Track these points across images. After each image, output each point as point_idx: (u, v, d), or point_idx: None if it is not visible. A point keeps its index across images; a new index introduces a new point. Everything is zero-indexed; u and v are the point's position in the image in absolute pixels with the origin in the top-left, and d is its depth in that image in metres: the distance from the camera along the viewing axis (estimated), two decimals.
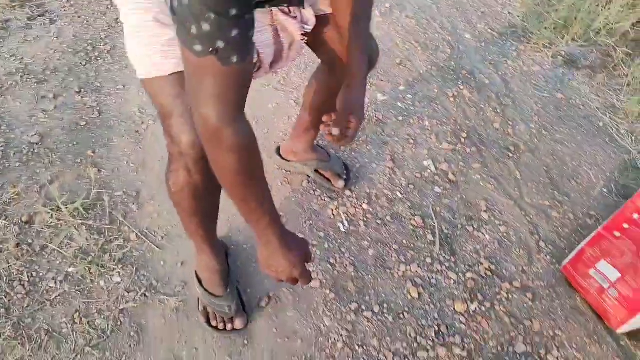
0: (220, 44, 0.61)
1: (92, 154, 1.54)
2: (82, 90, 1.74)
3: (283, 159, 1.55)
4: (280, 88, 1.86)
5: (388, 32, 2.18)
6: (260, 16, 0.94)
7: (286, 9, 0.97)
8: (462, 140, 1.75)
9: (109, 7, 2.14)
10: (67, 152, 1.54)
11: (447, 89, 1.94)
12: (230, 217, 1.40)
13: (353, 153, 1.65)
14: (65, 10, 2.08)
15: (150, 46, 0.85)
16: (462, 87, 1.96)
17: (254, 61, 0.98)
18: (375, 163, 1.63)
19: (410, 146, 1.70)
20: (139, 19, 0.85)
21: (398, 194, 1.56)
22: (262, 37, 0.97)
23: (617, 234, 1.28)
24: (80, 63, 1.85)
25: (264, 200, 0.79)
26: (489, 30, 2.30)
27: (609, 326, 1.33)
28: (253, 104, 1.63)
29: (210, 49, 0.61)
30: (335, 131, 1.01)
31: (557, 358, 1.26)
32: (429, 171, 1.64)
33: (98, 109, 1.69)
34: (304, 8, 0.99)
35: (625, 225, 1.27)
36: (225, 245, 1.33)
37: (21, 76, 1.76)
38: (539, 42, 2.25)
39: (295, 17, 1.00)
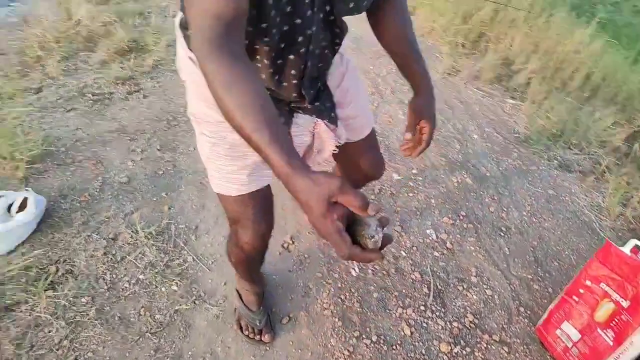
0: None
1: (165, 195, 1.98)
2: (162, 148, 2.24)
3: None
4: None
5: None
6: (305, 122, 1.11)
7: (329, 124, 1.13)
8: (461, 217, 2.10)
9: None
10: (147, 192, 1.98)
11: (452, 176, 2.33)
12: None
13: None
14: (155, 89, 2.66)
15: (219, 172, 1.09)
16: (465, 176, 2.35)
17: None
18: (386, 227, 1.99)
19: (417, 217, 2.07)
20: (210, 149, 1.07)
21: (402, 252, 1.90)
22: (299, 140, 1.12)
23: (576, 298, 1.57)
24: (163, 128, 2.37)
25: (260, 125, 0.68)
26: (495, 134, 2.74)
27: None
28: None
29: None
30: (408, 135, 1.15)
31: None
32: (430, 238, 1.98)
33: (173, 163, 2.16)
34: (336, 126, 1.16)
35: (581, 291, 1.56)
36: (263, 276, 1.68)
37: (118, 134, 2.28)
38: (538, 146, 2.65)
39: (333, 131, 1.15)
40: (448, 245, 1.97)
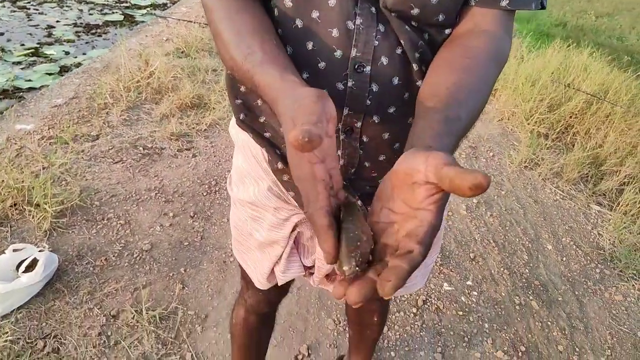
0: None
1: (183, 272, 1.81)
2: (196, 215, 2.11)
3: None
4: None
5: (468, 227, 2.33)
6: None
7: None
8: (520, 354, 1.72)
9: None
10: (165, 264, 1.83)
11: (515, 295, 1.96)
12: None
13: (405, 335, 1.71)
14: (206, 149, 2.60)
15: (240, 245, 0.95)
16: (531, 298, 1.97)
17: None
18: (424, 351, 1.67)
19: (464, 344, 1.72)
20: (239, 219, 0.92)
21: None
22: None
23: None
24: (202, 193, 2.25)
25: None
26: (574, 247, 2.33)
27: None
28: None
29: None
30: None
31: None
32: None
33: (202, 234, 2.01)
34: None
35: None
36: None
37: (155, 193, 2.19)
38: (627, 271, 2.20)
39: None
40: None
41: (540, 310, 1.92)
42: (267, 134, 0.76)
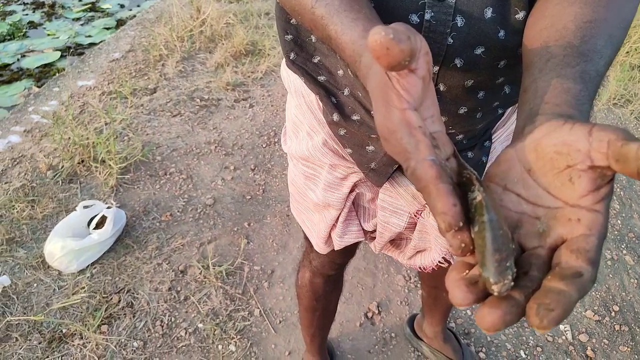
0: None
1: (247, 226, 1.78)
2: (256, 168, 2.05)
3: (414, 332, 1.44)
4: None
5: None
6: (408, 196, 0.70)
7: None
8: (612, 313, 1.56)
9: None
10: (229, 219, 1.80)
11: (605, 249, 1.77)
12: (344, 322, 1.47)
13: None
14: (263, 99, 2.50)
15: (298, 203, 0.87)
16: (624, 252, 1.77)
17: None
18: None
19: None
20: (297, 177, 0.82)
21: (522, 353, 1.45)
22: (385, 218, 0.76)
23: None
24: (262, 145, 2.18)
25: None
26: None
27: None
28: None
29: None
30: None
31: None
32: (563, 337, 1.49)
33: (263, 187, 1.96)
34: None
35: None
36: (332, 351, 1.39)
37: (215, 146, 2.15)
38: None
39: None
40: (588, 352, 1.46)
41: (635, 265, 1.73)
42: (321, 78, 0.64)
